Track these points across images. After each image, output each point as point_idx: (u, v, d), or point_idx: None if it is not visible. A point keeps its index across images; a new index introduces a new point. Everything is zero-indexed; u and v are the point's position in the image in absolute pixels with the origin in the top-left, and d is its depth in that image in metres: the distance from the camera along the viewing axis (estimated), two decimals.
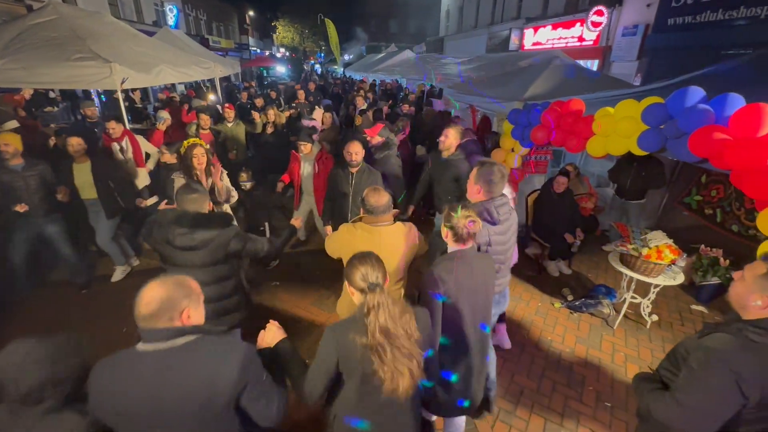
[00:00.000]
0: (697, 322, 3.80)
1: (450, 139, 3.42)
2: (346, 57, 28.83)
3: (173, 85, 11.52)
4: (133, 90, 9.05)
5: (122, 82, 4.35)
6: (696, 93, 2.58)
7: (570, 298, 4.02)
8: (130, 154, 4.40)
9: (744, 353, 1.27)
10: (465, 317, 1.88)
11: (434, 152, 3.64)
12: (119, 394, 1.22)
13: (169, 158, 3.62)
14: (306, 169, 4.11)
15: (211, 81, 9.13)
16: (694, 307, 4.02)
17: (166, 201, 3.04)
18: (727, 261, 3.95)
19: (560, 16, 14.25)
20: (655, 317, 3.72)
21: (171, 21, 18.96)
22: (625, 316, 3.68)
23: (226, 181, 3.48)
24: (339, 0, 34.76)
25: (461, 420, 2.34)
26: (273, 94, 10.62)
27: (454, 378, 1.96)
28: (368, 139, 4.09)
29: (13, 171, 3.33)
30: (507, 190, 2.43)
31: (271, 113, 5.89)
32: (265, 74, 25.73)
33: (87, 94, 9.91)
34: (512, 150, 4.42)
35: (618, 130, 3.06)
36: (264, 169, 5.48)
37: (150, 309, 1.24)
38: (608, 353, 3.34)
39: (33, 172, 3.40)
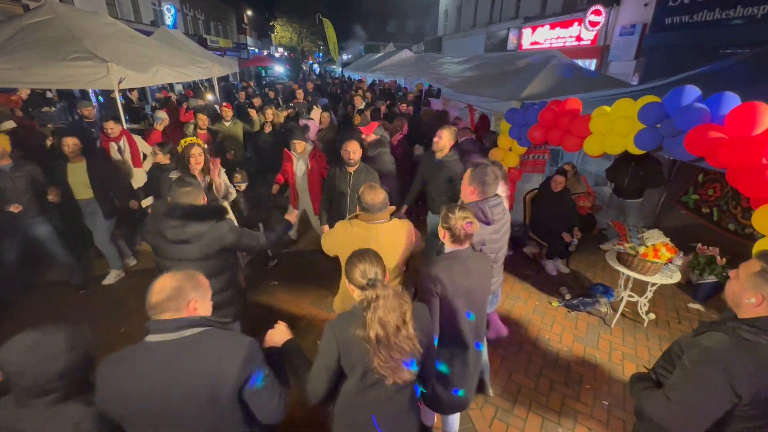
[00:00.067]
0: (694, 320, 3.82)
1: (444, 141, 3.42)
2: (345, 57, 28.80)
3: (171, 85, 11.50)
4: (131, 90, 9.02)
5: (119, 82, 4.34)
6: (692, 92, 2.59)
7: (568, 296, 4.03)
8: (127, 154, 4.39)
9: (737, 352, 1.27)
10: (461, 316, 1.90)
11: (428, 153, 3.66)
12: (127, 386, 1.24)
13: (162, 158, 3.61)
14: (299, 167, 4.11)
15: (209, 81, 9.12)
16: (691, 305, 4.03)
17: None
18: (724, 259, 3.97)
19: (558, 16, 14.25)
20: (652, 315, 3.73)
21: (169, 21, 18.90)
22: (622, 314, 3.70)
23: (224, 178, 3.48)
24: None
25: (455, 417, 2.36)
26: (271, 94, 10.61)
27: (448, 371, 1.98)
28: (363, 137, 4.12)
29: (1, 171, 3.32)
30: (501, 189, 2.45)
31: (269, 113, 5.88)
32: (263, 74, 25.69)
33: (84, 94, 9.88)
34: (510, 149, 4.43)
35: (615, 128, 3.06)
36: (262, 168, 5.48)
37: (160, 297, 1.30)
38: (606, 352, 3.35)
39: (21, 173, 3.38)
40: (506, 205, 2.50)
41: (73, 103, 9.10)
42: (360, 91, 9.00)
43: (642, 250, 3.27)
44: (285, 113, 6.88)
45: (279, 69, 27.49)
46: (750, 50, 4.18)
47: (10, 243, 3.52)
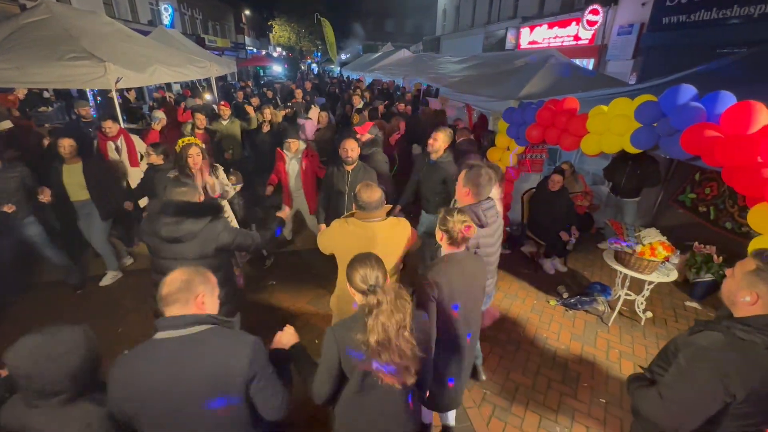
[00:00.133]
0: (691, 318, 3.83)
1: (439, 142, 3.44)
2: (343, 56, 28.79)
3: (169, 84, 11.47)
4: (128, 89, 9.00)
5: (117, 82, 4.33)
6: (688, 91, 2.60)
7: (565, 295, 4.04)
8: (125, 154, 4.38)
9: (732, 352, 1.28)
10: (458, 317, 1.93)
11: (423, 153, 3.67)
12: (137, 383, 1.26)
13: (155, 159, 3.59)
14: (292, 167, 4.11)
15: (207, 80, 9.10)
16: (688, 303, 4.05)
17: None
18: (721, 258, 3.98)
19: (556, 15, 14.29)
20: (649, 314, 3.75)
21: (166, 20, 18.85)
22: (619, 313, 3.71)
23: (223, 177, 3.47)
24: None
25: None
26: (269, 94, 10.59)
27: (444, 366, 2.02)
28: (358, 136, 4.14)
29: None
30: (494, 192, 2.48)
31: (267, 112, 5.88)
32: (261, 74, 25.65)
33: (82, 93, 9.85)
34: (508, 148, 4.44)
35: (611, 127, 3.08)
36: (260, 168, 5.48)
37: (170, 289, 1.34)
38: (603, 350, 3.36)
39: (11, 174, 3.35)
40: (499, 207, 2.52)
41: (70, 102, 9.08)
42: (358, 91, 9.00)
43: (639, 248, 3.28)
44: (283, 113, 6.88)
45: (277, 69, 27.45)
46: (747, 50, 4.20)
47: (4, 244, 3.49)
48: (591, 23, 12.31)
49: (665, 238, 3.38)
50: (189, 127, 5.39)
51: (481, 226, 2.27)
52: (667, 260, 3.35)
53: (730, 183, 2.33)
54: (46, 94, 9.31)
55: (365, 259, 1.54)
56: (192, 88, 11.27)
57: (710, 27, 9.04)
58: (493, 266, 2.56)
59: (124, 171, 4.38)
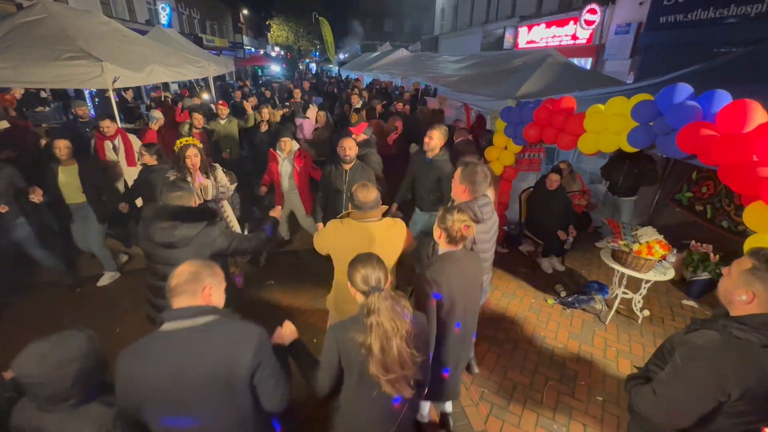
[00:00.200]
0: (688, 316, 3.84)
1: (434, 141, 3.44)
2: (341, 56, 28.76)
3: (167, 84, 11.45)
4: (126, 89, 8.98)
5: (114, 81, 4.32)
6: (684, 90, 2.61)
7: (563, 294, 4.05)
8: (122, 153, 4.38)
9: (727, 350, 1.28)
10: (456, 314, 1.95)
11: (419, 151, 3.68)
12: (145, 374, 1.28)
13: (149, 159, 3.57)
14: (285, 168, 4.12)
15: (205, 80, 9.09)
16: (684, 302, 4.06)
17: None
18: (717, 256, 4.00)
19: (554, 15, 14.31)
20: (646, 312, 3.76)
21: (164, 20, 18.78)
22: (617, 311, 3.72)
23: (221, 177, 3.46)
24: None
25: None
26: (267, 93, 10.59)
27: (441, 359, 2.05)
28: (354, 136, 4.15)
29: None
30: (489, 194, 2.50)
31: (266, 112, 5.88)
32: (259, 73, 25.60)
33: (79, 93, 9.82)
34: (506, 148, 4.45)
35: (608, 127, 3.08)
36: (258, 167, 5.47)
37: (178, 280, 1.36)
38: (600, 348, 3.37)
39: (0, 176, 3.30)
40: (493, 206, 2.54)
41: (67, 102, 9.04)
42: (356, 90, 9.00)
43: (635, 247, 3.29)
44: (281, 112, 6.88)
45: (275, 68, 27.41)
46: (743, 49, 4.22)
47: (1, 244, 3.46)
48: (589, 23, 12.34)
49: (662, 236, 3.39)
50: (186, 126, 5.38)
51: (477, 221, 2.29)
52: (664, 259, 3.36)
53: (725, 182, 2.33)
54: (43, 94, 9.26)
55: (367, 259, 1.55)
56: (190, 88, 11.24)
57: (707, 26, 9.07)
58: (489, 263, 2.58)
59: (120, 172, 4.37)
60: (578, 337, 3.49)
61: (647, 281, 3.50)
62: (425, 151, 3.53)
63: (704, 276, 4.01)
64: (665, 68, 4.82)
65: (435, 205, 3.54)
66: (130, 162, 4.42)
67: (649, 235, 3.38)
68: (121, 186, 4.39)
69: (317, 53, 38.70)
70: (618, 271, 3.56)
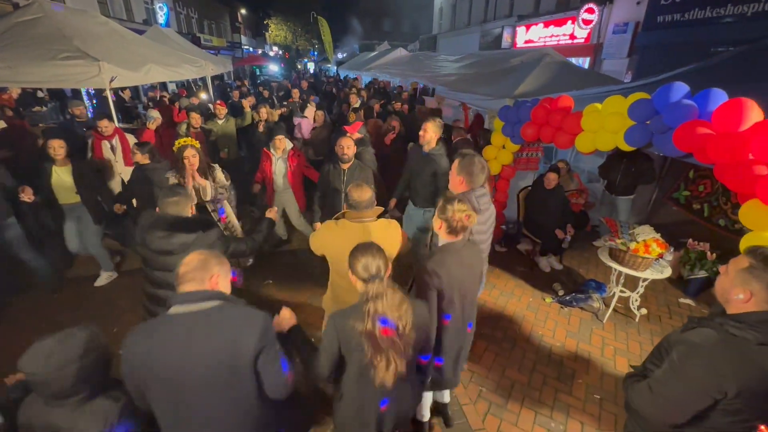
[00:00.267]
0: (685, 315, 3.86)
1: (429, 133, 3.43)
2: (340, 55, 28.72)
3: (164, 84, 11.42)
4: (123, 89, 8.95)
5: (111, 81, 4.31)
6: (680, 89, 2.62)
7: (561, 293, 4.06)
8: (119, 153, 4.37)
9: (724, 348, 1.28)
10: (456, 303, 1.96)
11: (416, 145, 3.67)
12: (151, 355, 1.31)
13: (141, 158, 3.56)
14: (279, 167, 4.11)
15: (203, 80, 9.07)
16: (682, 300, 4.08)
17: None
18: (714, 255, 4.01)
19: (552, 14, 14.33)
20: (644, 311, 3.77)
21: (161, 19, 18.72)
22: (614, 309, 3.73)
23: (220, 177, 3.46)
24: None
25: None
26: (266, 93, 10.57)
27: (440, 350, 2.07)
28: (348, 135, 4.16)
29: None
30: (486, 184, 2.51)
31: (263, 111, 5.87)
32: (258, 73, 25.56)
33: (76, 93, 9.79)
34: (503, 147, 4.45)
35: (605, 125, 3.09)
36: (256, 167, 5.46)
37: (187, 268, 1.41)
38: (598, 347, 3.38)
39: None
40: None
41: (64, 102, 9.02)
42: (354, 89, 9.00)
43: (633, 245, 3.30)
44: (279, 112, 6.87)
45: (274, 68, 27.36)
46: (739, 48, 4.22)
47: None
48: (586, 22, 12.36)
49: (659, 235, 3.40)
50: (184, 126, 5.37)
51: (475, 212, 2.30)
52: (661, 257, 3.37)
53: (721, 180, 2.34)
54: (40, 94, 9.24)
55: (367, 248, 1.59)
56: (187, 88, 11.22)
57: (704, 26, 9.09)
58: (485, 254, 2.58)
59: (114, 172, 4.35)
60: (576, 336, 3.50)
61: (644, 279, 3.51)
62: (421, 145, 3.53)
63: (701, 274, 4.03)
64: (662, 67, 4.82)
65: (429, 201, 3.54)
66: (128, 162, 4.41)
67: (646, 233, 3.39)
68: (118, 185, 4.38)
69: (315, 53, 38.65)
70: (615, 270, 3.57)
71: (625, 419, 1.75)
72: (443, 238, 1.98)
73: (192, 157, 3.16)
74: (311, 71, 26.42)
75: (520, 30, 16.18)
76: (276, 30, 39.80)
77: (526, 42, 15.84)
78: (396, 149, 5.41)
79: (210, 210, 3.37)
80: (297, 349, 1.70)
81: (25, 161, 4.81)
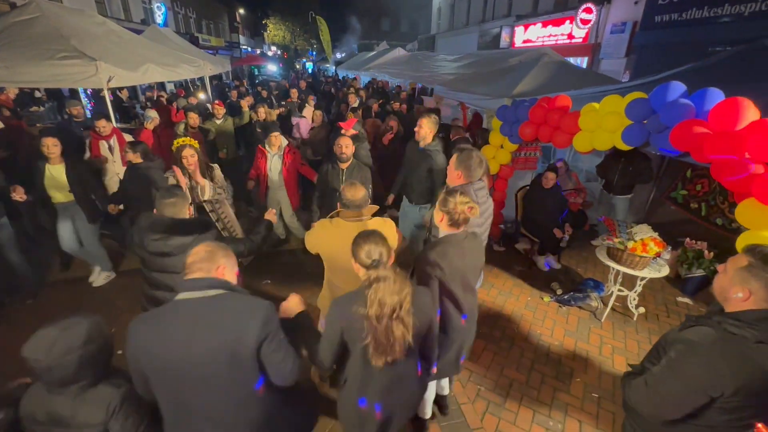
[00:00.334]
0: (683, 313, 3.87)
1: (424, 129, 3.44)
2: (338, 55, 28.69)
3: (162, 84, 11.39)
4: (120, 89, 8.94)
5: (108, 81, 4.30)
6: (677, 88, 2.63)
7: (559, 292, 4.07)
8: (117, 153, 4.36)
9: (722, 346, 1.28)
10: (457, 294, 1.97)
11: (412, 142, 3.68)
12: (155, 341, 1.33)
13: (133, 157, 3.55)
14: (274, 164, 4.11)
15: (201, 80, 9.05)
16: (679, 299, 4.09)
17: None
18: (712, 253, 4.02)
19: (550, 14, 14.35)
20: (642, 309, 3.78)
21: (159, 19, 18.69)
22: (612, 308, 3.74)
23: (219, 177, 3.45)
24: None
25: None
26: (264, 93, 10.56)
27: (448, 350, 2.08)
28: (342, 131, 4.17)
29: None
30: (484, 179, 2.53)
31: (262, 111, 5.87)
32: (256, 73, 25.53)
33: (74, 93, 9.77)
34: (501, 146, 4.46)
35: (603, 125, 3.10)
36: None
37: (195, 258, 1.44)
38: (596, 345, 3.39)
39: None
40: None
41: (62, 102, 9.00)
42: (352, 89, 9.00)
43: (630, 244, 3.31)
44: (277, 112, 6.87)
45: (272, 68, 27.33)
46: (736, 47, 4.24)
47: None
48: (584, 22, 12.37)
49: (657, 234, 3.41)
50: (182, 126, 5.36)
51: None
52: (659, 256, 3.38)
53: (718, 179, 2.35)
54: (37, 94, 9.22)
55: (369, 235, 1.62)
56: (186, 88, 11.20)
57: (702, 25, 9.12)
58: (482, 246, 2.61)
59: (110, 171, 4.33)
60: (574, 335, 3.50)
61: (642, 278, 3.52)
62: (416, 140, 3.54)
63: (699, 273, 4.04)
64: (660, 67, 4.85)
65: (425, 197, 3.55)
66: (125, 161, 4.40)
67: (644, 232, 3.40)
68: (116, 185, 4.36)
69: (314, 53, 38.63)
70: (613, 269, 3.58)
71: (623, 418, 1.75)
72: (444, 230, 1.98)
73: (190, 157, 3.16)
74: (309, 71, 26.38)
75: (519, 30, 16.20)
76: (274, 30, 39.74)
77: (525, 42, 15.86)
78: (394, 149, 5.41)
79: (208, 210, 3.37)
80: (304, 335, 1.70)
81: (22, 161, 4.80)
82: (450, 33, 23.63)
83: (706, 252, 4.06)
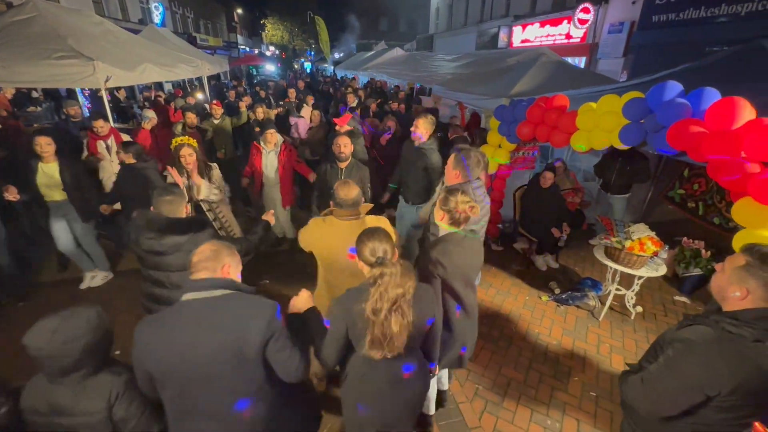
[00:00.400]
0: (680, 313, 3.88)
1: (420, 129, 3.45)
2: (336, 55, 28.67)
3: (160, 84, 11.37)
4: (118, 89, 8.92)
5: (106, 81, 4.29)
6: (674, 87, 2.64)
7: (557, 291, 4.08)
8: (115, 153, 4.35)
9: (719, 345, 1.28)
10: (459, 291, 1.98)
11: (408, 141, 3.69)
12: (161, 341, 1.34)
13: (126, 158, 3.54)
14: (271, 160, 4.11)
15: (199, 79, 9.04)
16: (677, 298, 4.10)
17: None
18: (709, 252, 4.04)
19: (548, 14, 14.37)
20: (639, 308, 3.80)
21: (157, 19, 18.64)
22: (610, 307, 3.75)
23: (218, 177, 3.45)
24: None
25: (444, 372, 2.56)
26: (262, 93, 10.54)
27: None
28: (337, 128, 4.16)
29: None
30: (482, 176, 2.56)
31: (260, 111, 5.86)
32: (254, 72, 25.49)
33: (71, 93, 9.73)
34: (500, 146, 4.47)
35: (600, 124, 3.11)
36: None
37: (200, 257, 1.47)
38: (594, 345, 3.40)
39: None
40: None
41: (59, 102, 8.97)
42: (350, 89, 9.00)
43: (628, 243, 3.32)
44: (275, 111, 6.86)
45: (270, 68, 27.31)
46: (733, 47, 4.26)
47: None
48: (582, 21, 12.40)
49: (654, 233, 3.42)
50: (180, 126, 5.35)
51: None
52: (656, 255, 3.39)
53: (715, 178, 2.36)
54: (34, 94, 9.18)
55: (374, 232, 1.62)
56: (183, 88, 11.18)
57: (699, 25, 9.15)
58: (481, 244, 2.63)
59: (108, 171, 4.32)
60: (572, 334, 3.51)
61: (640, 277, 3.53)
62: (413, 139, 3.55)
63: (696, 272, 4.05)
64: (658, 67, 4.85)
65: (421, 196, 3.55)
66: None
67: (641, 231, 3.41)
68: (111, 185, 4.35)
69: (312, 52, 38.59)
70: (611, 268, 3.58)
71: (621, 417, 1.76)
72: (444, 229, 1.99)
73: (189, 156, 3.15)
74: (307, 71, 26.37)
75: (517, 30, 16.22)
76: (272, 30, 39.69)
77: (523, 42, 15.88)
78: (393, 149, 5.41)
79: (205, 210, 3.36)
80: (313, 333, 1.71)
81: (19, 162, 4.77)
82: (448, 33, 23.65)
83: (703, 251, 4.07)
